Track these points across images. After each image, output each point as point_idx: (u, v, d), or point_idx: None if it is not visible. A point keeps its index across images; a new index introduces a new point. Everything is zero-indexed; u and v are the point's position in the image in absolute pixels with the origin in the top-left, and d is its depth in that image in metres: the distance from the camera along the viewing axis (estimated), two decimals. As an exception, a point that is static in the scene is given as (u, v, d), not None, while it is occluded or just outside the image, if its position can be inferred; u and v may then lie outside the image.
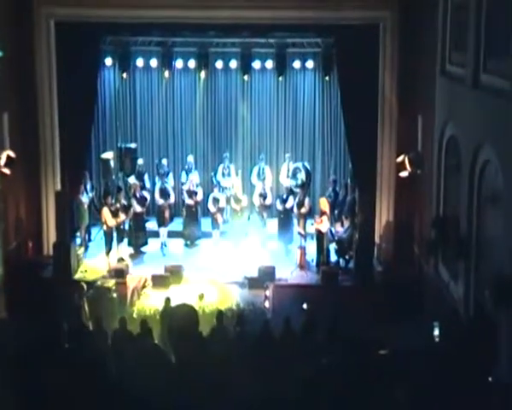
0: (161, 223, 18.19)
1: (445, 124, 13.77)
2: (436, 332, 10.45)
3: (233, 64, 19.21)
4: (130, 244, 17.74)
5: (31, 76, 16.34)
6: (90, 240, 18.29)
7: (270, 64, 19.13)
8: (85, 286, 14.37)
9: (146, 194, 18.15)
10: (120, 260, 16.87)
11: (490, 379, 9.09)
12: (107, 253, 16.84)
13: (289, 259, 17.30)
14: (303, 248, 17.06)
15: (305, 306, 13.62)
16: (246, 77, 19.29)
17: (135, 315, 14.36)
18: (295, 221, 17.90)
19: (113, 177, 18.84)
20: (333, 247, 17.00)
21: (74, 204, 17.35)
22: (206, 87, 19.71)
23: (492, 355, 9.86)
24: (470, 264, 12.08)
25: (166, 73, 19.30)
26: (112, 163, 18.76)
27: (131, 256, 17.51)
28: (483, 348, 9.73)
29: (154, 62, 19.24)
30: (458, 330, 11.13)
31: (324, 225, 16.73)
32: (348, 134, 17.01)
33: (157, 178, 18.76)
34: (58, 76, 16.50)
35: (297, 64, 19.11)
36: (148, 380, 8.74)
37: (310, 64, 19.13)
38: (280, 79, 19.28)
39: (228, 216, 18.66)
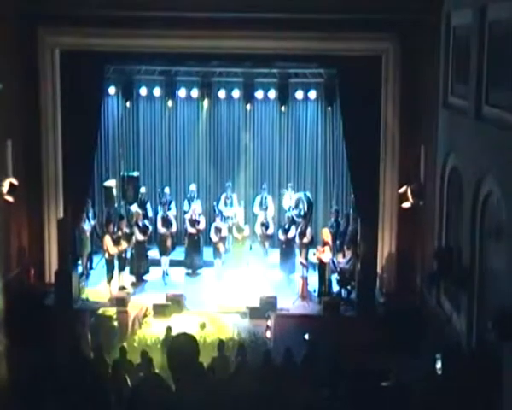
0: (163, 251, 18.16)
1: (447, 155, 13.81)
2: (439, 365, 10.39)
3: (236, 93, 19.29)
4: (131, 272, 17.71)
5: (35, 104, 16.39)
6: (91, 268, 18.25)
7: (272, 94, 19.21)
8: (86, 314, 14.32)
9: (148, 222, 18.14)
10: (122, 288, 16.83)
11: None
12: (109, 281, 16.79)
13: (291, 289, 17.24)
14: (305, 279, 17.00)
15: (306, 336, 13.54)
16: (248, 106, 19.39)
17: (136, 344, 14.30)
18: (297, 251, 17.87)
19: (116, 205, 18.85)
20: (335, 277, 16.96)
21: (76, 232, 17.34)
22: (209, 116, 19.79)
23: (495, 389, 9.78)
24: (473, 296, 12.03)
25: (169, 102, 19.38)
26: (114, 191, 18.79)
27: (133, 284, 17.47)
28: (486, 382, 9.67)
29: (157, 91, 19.34)
30: (460, 363, 11.06)
31: (326, 255, 16.69)
32: (350, 165, 17.04)
33: (159, 207, 18.76)
34: (62, 104, 16.55)
35: (300, 94, 19.18)
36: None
37: (312, 94, 19.20)
38: (282, 108, 19.36)
39: (230, 245, 18.63)
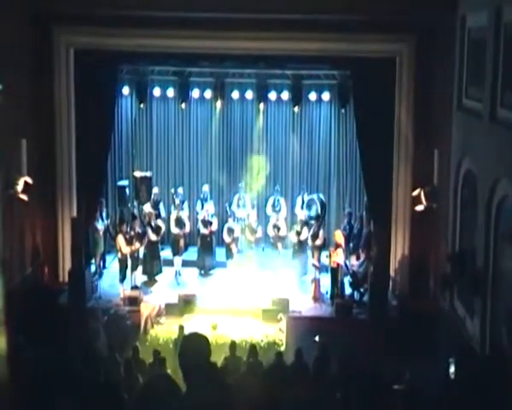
0: (176, 252, 18.19)
1: (461, 158, 13.74)
2: (452, 369, 10.33)
3: (249, 95, 19.27)
4: (144, 272, 17.75)
5: (49, 103, 16.46)
6: (104, 267, 18.31)
7: (285, 95, 19.17)
8: (99, 313, 14.35)
9: (161, 222, 18.17)
10: (134, 287, 16.86)
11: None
12: (122, 280, 16.84)
13: (303, 291, 17.21)
14: (317, 281, 16.97)
15: (317, 338, 13.52)
16: (261, 107, 19.36)
17: (148, 343, 14.34)
18: (309, 253, 17.84)
19: (129, 205, 18.91)
20: (347, 280, 16.91)
21: (90, 231, 17.39)
22: (222, 117, 19.80)
23: (509, 393, 9.72)
24: (486, 299, 11.97)
25: (183, 103, 19.38)
26: (127, 191, 18.86)
27: (146, 284, 17.50)
28: (499, 386, 9.61)
29: (170, 92, 19.36)
30: (474, 367, 11.01)
31: (339, 257, 16.64)
32: (364, 167, 16.99)
33: (172, 207, 18.79)
34: (76, 103, 16.61)
35: (313, 96, 19.13)
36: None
37: (326, 96, 19.14)
38: (295, 110, 19.31)
39: (242, 246, 18.62)
